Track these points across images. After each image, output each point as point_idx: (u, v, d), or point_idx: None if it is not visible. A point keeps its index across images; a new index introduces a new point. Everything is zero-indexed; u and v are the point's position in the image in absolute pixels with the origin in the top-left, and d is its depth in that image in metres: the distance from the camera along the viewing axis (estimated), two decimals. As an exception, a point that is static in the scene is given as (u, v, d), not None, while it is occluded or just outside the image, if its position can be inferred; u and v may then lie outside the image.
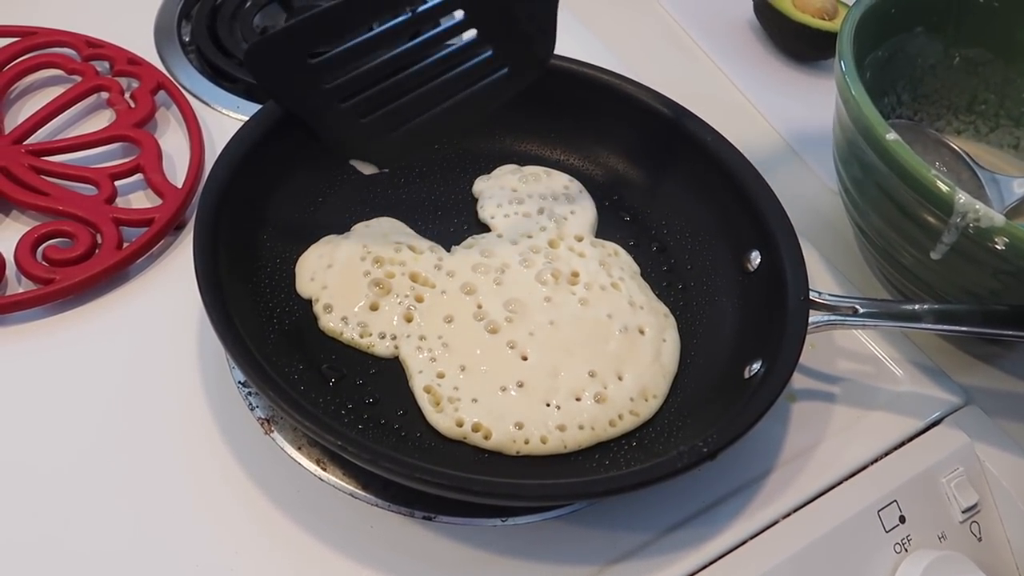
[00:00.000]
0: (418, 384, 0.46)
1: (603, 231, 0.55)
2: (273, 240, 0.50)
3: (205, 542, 0.42)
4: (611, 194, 0.57)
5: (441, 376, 0.46)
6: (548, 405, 0.46)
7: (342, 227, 0.52)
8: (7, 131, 0.56)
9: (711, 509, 0.45)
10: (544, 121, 0.58)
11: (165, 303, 0.50)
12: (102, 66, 0.61)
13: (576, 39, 0.67)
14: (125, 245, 0.51)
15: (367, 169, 0.50)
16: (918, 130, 0.61)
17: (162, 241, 0.52)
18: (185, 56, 0.64)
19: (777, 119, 0.68)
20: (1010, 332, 0.46)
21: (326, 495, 0.44)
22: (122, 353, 0.48)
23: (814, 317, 0.47)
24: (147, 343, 0.48)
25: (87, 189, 0.54)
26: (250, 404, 0.46)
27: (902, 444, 0.49)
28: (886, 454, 0.49)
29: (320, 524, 0.43)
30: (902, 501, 0.47)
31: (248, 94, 0.62)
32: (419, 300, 0.49)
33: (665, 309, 0.51)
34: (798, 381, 0.51)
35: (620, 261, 0.53)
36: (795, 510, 0.46)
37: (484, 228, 0.54)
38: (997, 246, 0.44)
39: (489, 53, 0.49)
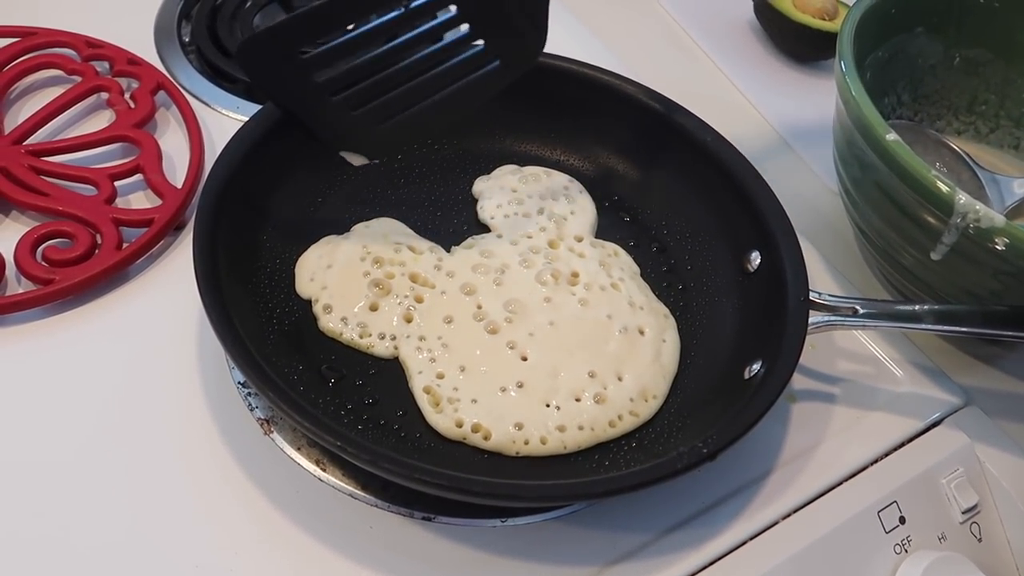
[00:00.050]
0: (418, 385, 0.46)
1: (603, 231, 0.55)
2: (273, 240, 0.50)
3: (205, 542, 0.42)
4: (611, 194, 0.57)
5: (441, 377, 0.46)
6: (548, 406, 0.46)
7: (342, 227, 0.52)
8: (7, 131, 0.56)
9: (711, 510, 0.45)
10: (544, 121, 0.58)
11: (165, 303, 0.50)
12: (102, 66, 0.61)
13: (576, 39, 0.67)
14: (125, 245, 0.51)
15: (357, 160, 0.50)
16: (918, 130, 0.61)
17: (162, 241, 0.52)
18: (185, 56, 0.64)
19: (777, 119, 0.68)
20: (1010, 333, 0.46)
21: (325, 495, 0.44)
22: (122, 354, 0.48)
23: (814, 317, 0.47)
24: (147, 344, 0.48)
25: (87, 189, 0.54)
26: (250, 404, 0.46)
27: (902, 445, 0.49)
28: (886, 455, 0.49)
29: (319, 524, 0.43)
30: (902, 502, 0.47)
31: (248, 94, 0.62)
32: (419, 300, 0.49)
33: (665, 310, 0.51)
34: (798, 382, 0.51)
35: (620, 261, 0.53)
36: (795, 511, 0.46)
37: (484, 228, 0.54)
38: (997, 247, 0.44)
39: (481, 46, 0.49)
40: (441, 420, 0.45)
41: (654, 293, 0.52)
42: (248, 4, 0.69)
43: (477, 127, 0.57)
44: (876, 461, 0.48)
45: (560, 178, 0.57)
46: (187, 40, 0.66)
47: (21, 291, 0.49)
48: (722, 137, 0.54)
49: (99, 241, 0.51)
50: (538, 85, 0.56)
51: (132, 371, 0.47)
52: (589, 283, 0.51)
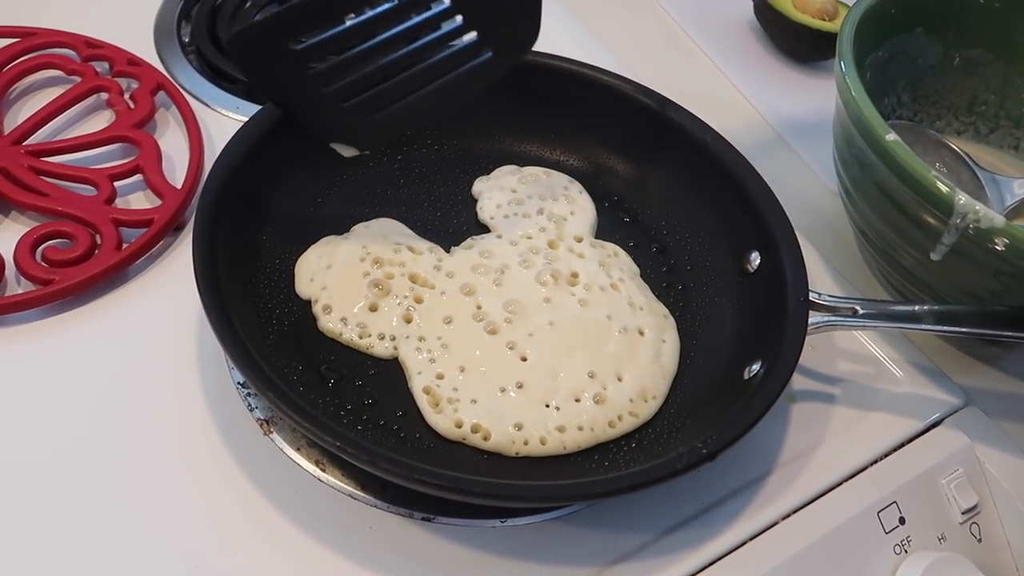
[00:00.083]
0: (417, 385, 0.46)
1: (603, 232, 0.55)
2: (272, 241, 0.50)
3: (204, 543, 0.42)
4: (611, 195, 0.57)
5: (440, 377, 0.46)
6: (547, 406, 0.46)
7: (342, 227, 0.52)
8: (7, 132, 0.56)
9: (711, 510, 0.45)
10: (544, 121, 0.58)
11: (164, 304, 0.50)
12: (102, 67, 0.61)
13: (575, 39, 0.67)
14: (124, 246, 0.51)
15: (348, 152, 0.49)
16: (918, 131, 0.61)
17: (161, 242, 0.52)
18: (185, 57, 0.64)
19: (777, 119, 0.68)
20: (1010, 333, 0.46)
21: (325, 496, 0.44)
22: (121, 354, 0.48)
23: (814, 318, 0.47)
24: (146, 344, 0.48)
25: (86, 190, 0.54)
26: (249, 405, 0.46)
27: (902, 445, 0.49)
28: (886, 455, 0.49)
29: (319, 525, 0.43)
30: (902, 502, 0.47)
31: (248, 94, 0.62)
32: (418, 301, 0.49)
33: (665, 310, 0.51)
34: (798, 382, 0.51)
35: (620, 262, 0.53)
36: (795, 511, 0.46)
37: (484, 229, 0.54)
38: (997, 247, 0.44)
39: (474, 37, 0.49)
40: (441, 420, 0.45)
41: (654, 293, 0.52)
42: (248, 4, 0.69)
43: (477, 127, 0.57)
44: (876, 461, 0.48)
45: (560, 178, 0.57)
46: (187, 40, 0.66)
47: (21, 291, 0.49)
48: (722, 137, 0.54)
49: (99, 241, 0.51)
50: (538, 85, 0.56)
51: (132, 371, 0.47)
52: (589, 283, 0.51)
